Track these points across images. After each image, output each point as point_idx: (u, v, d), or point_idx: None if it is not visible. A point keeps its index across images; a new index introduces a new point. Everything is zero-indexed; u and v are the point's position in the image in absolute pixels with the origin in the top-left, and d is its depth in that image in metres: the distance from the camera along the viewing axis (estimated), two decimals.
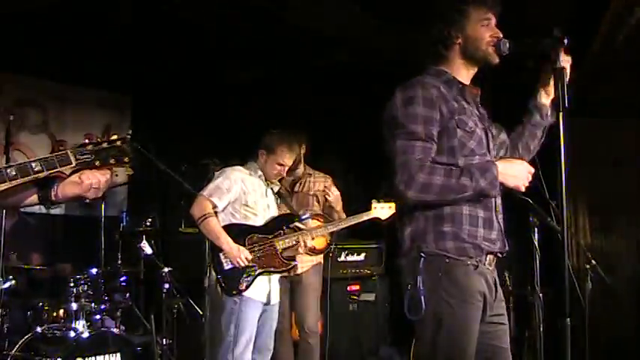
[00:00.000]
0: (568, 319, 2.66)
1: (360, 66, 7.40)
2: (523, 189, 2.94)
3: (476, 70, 3.14)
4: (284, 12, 6.38)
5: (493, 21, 3.07)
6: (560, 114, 2.70)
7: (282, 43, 6.92)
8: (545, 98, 3.24)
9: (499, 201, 3.05)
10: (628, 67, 7.25)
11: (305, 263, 5.80)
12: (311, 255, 5.75)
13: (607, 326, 7.51)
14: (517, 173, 2.93)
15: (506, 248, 3.07)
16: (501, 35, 3.05)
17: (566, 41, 2.88)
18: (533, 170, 2.96)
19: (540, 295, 5.07)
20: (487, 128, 3.10)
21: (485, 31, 3.04)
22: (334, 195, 5.81)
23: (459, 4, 3.06)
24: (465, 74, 3.11)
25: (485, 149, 3.03)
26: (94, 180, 2.91)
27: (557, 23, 3.26)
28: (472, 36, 3.03)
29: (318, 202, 5.98)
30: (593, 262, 5.41)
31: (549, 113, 3.25)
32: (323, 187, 5.97)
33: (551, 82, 3.03)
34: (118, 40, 6.66)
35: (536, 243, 4.98)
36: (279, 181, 5.39)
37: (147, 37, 6.66)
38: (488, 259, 2.98)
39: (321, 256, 6.01)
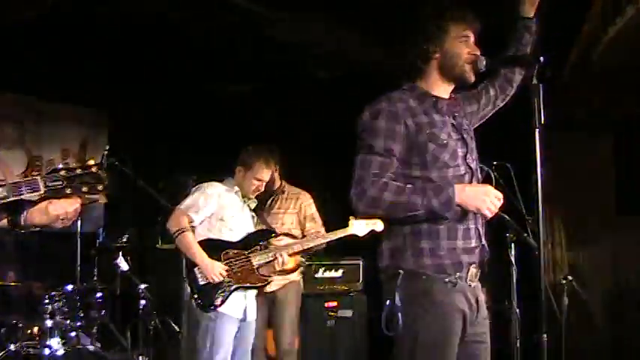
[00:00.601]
0: (544, 335, 2.67)
1: (342, 81, 7.42)
2: (489, 215, 2.90)
3: (453, 86, 3.15)
4: (268, 27, 6.40)
5: (472, 38, 3.09)
6: (536, 129, 2.70)
7: (261, 59, 6.92)
8: (530, 11, 3.33)
9: None
10: (603, 81, 7.33)
11: (277, 281, 5.75)
12: (281, 275, 5.70)
13: (583, 341, 7.54)
14: (478, 197, 2.88)
15: (487, 255, 3.05)
16: (479, 52, 3.06)
17: (542, 59, 2.91)
18: (501, 195, 2.92)
19: (517, 310, 5.09)
20: (464, 137, 3.08)
21: (464, 48, 3.05)
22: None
23: (438, 19, 3.07)
24: (442, 89, 3.12)
25: (460, 160, 3.01)
26: (61, 211, 2.84)
27: (534, 39, 3.31)
28: (450, 51, 3.04)
29: (297, 219, 5.95)
30: (569, 277, 5.44)
31: (535, 27, 3.34)
32: (299, 206, 5.96)
33: None
34: (95, 55, 6.64)
35: (512, 258, 4.99)
36: (256, 196, 5.39)
37: (124, 53, 6.64)
38: (470, 273, 2.96)
39: (298, 273, 5.96)
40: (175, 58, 6.88)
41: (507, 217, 4.70)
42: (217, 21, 6.23)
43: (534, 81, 2.77)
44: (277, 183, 5.99)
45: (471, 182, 3.02)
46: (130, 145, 7.11)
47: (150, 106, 7.50)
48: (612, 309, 8.18)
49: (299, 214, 5.93)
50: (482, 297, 3.05)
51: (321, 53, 7.01)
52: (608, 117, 7.87)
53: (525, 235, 4.77)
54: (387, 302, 2.92)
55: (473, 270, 2.98)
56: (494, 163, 4.51)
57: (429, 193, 2.83)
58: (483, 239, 3.04)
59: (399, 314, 2.87)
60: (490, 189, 2.92)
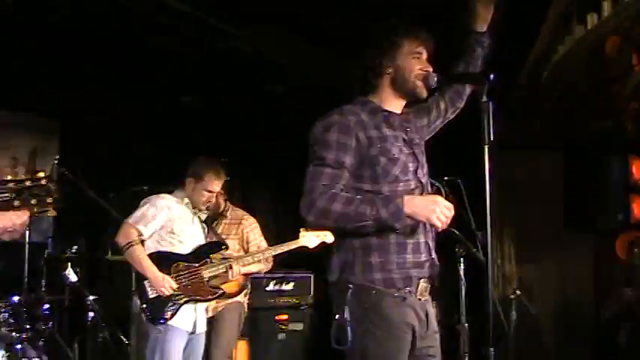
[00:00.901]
0: (492, 349, 2.70)
1: (294, 95, 7.44)
2: (439, 225, 2.87)
3: (405, 101, 3.17)
4: (219, 40, 6.39)
5: (425, 55, 3.12)
6: (485, 146, 2.73)
7: (214, 71, 6.91)
8: (482, 26, 3.33)
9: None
10: (552, 100, 7.46)
11: (219, 304, 5.66)
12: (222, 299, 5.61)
13: (531, 355, 7.63)
14: (427, 207, 2.85)
15: (437, 269, 3.06)
16: (431, 69, 3.09)
17: (491, 76, 2.95)
18: (451, 206, 2.90)
19: (466, 324, 5.13)
20: (415, 152, 3.10)
21: (416, 64, 3.08)
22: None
23: (392, 34, 3.09)
24: (394, 104, 3.14)
25: (411, 175, 3.03)
26: (9, 224, 2.76)
27: (485, 58, 3.36)
28: (402, 67, 3.07)
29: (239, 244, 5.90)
30: (518, 292, 5.51)
31: (487, 42, 3.35)
32: (240, 231, 5.87)
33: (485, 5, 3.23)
34: (47, 63, 6.56)
35: (462, 273, 5.04)
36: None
37: (77, 61, 6.57)
38: (420, 287, 2.97)
39: (242, 295, 5.90)
40: (128, 68, 6.83)
41: (457, 231, 4.74)
42: (170, 32, 6.21)
43: (484, 99, 2.80)
44: (221, 206, 5.88)
45: (422, 195, 3.03)
46: (80, 155, 7.03)
47: (101, 116, 7.42)
48: (560, 322, 8.31)
49: (241, 240, 5.85)
50: (432, 311, 3.07)
51: (275, 66, 7.02)
52: (558, 134, 8.01)
53: (474, 249, 4.82)
54: (337, 316, 2.92)
55: (423, 284, 2.99)
56: (445, 178, 4.56)
57: (377, 203, 2.83)
58: (433, 253, 3.05)
59: (349, 328, 2.88)
60: (439, 199, 2.90)
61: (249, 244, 5.84)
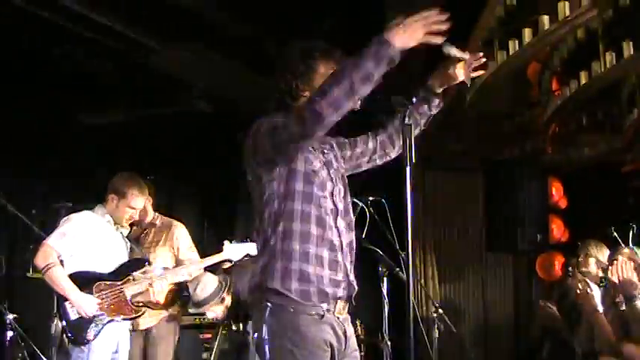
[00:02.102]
0: None
1: (219, 113, 7.45)
2: (434, 38, 2.75)
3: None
4: (145, 57, 6.36)
5: None
6: (407, 168, 2.76)
7: (140, 88, 6.87)
8: (439, 89, 3.18)
9: (346, 240, 3.02)
10: (475, 123, 7.62)
11: (152, 317, 5.54)
12: (154, 309, 5.55)
13: None
14: (408, 24, 2.69)
15: (354, 290, 3.03)
16: None
17: (414, 100, 2.99)
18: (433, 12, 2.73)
19: (388, 343, 5.18)
20: (331, 175, 3.05)
21: None
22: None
23: (306, 56, 3.04)
24: None
25: (328, 194, 2.99)
26: None
27: (410, 79, 3.39)
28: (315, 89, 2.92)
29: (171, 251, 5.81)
30: (440, 311, 5.59)
31: (439, 104, 3.21)
32: (171, 237, 5.71)
33: (451, 72, 3.09)
34: None
35: (384, 292, 5.09)
36: (131, 227, 5.29)
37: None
38: (338, 306, 2.96)
39: (174, 308, 5.82)
40: (49, 85, 6.73)
41: (380, 251, 4.80)
42: (93, 46, 6.15)
43: (407, 121, 2.83)
44: (150, 215, 5.70)
45: (335, 219, 2.99)
46: (2, 171, 6.88)
47: (24, 132, 7.28)
48: (482, 340, 8.46)
49: (172, 247, 5.71)
50: (351, 329, 3.05)
51: (202, 86, 7.02)
52: (479, 157, 8.19)
53: (397, 269, 4.88)
54: (255, 335, 2.91)
55: (340, 303, 2.98)
56: (370, 198, 4.61)
57: (360, 53, 2.70)
58: (351, 276, 3.03)
59: (266, 347, 2.87)
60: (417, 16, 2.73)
61: (179, 249, 5.66)
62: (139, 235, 5.66)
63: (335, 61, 3.02)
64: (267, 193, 2.95)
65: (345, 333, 3.00)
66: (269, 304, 2.89)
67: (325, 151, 3.11)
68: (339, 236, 2.99)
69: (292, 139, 2.82)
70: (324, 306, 2.91)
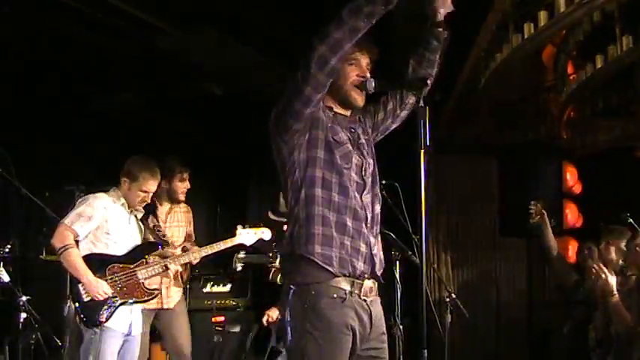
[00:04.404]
0: (425, 350, 2.72)
1: (233, 98, 7.44)
2: None
3: (349, 110, 3.15)
4: (160, 39, 6.34)
5: (363, 60, 3.09)
6: (421, 151, 2.75)
7: (153, 71, 6.86)
8: (440, 15, 3.12)
9: (372, 214, 3.04)
10: (489, 107, 7.58)
11: (175, 294, 5.68)
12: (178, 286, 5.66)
13: (467, 357, 7.74)
14: None
15: (380, 267, 3.05)
16: (368, 75, 3.07)
17: (429, 81, 2.97)
18: None
19: (401, 327, 5.17)
20: (361, 150, 3.10)
21: (352, 71, 3.07)
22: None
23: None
24: (339, 108, 3.13)
25: (354, 165, 3.03)
26: None
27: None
28: (339, 74, 3.02)
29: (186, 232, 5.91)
30: (453, 295, 5.58)
31: (445, 35, 3.16)
32: (188, 218, 5.94)
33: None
34: None
35: (397, 276, 5.08)
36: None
37: (11, 58, 6.45)
38: (364, 288, 2.96)
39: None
40: (64, 67, 6.73)
41: (393, 235, 4.79)
42: (108, 31, 6.13)
43: (421, 104, 2.81)
44: (180, 191, 5.84)
45: (362, 192, 3.03)
46: (15, 153, 6.89)
47: (37, 112, 7.29)
48: (495, 324, 8.45)
49: (187, 227, 5.89)
50: (378, 311, 3.05)
51: (215, 69, 7.00)
52: (493, 142, 8.14)
53: (410, 253, 4.87)
54: (282, 317, 2.96)
55: (367, 283, 2.98)
56: (383, 182, 4.59)
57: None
58: (374, 249, 3.03)
59: (289, 328, 2.91)
60: None
61: (188, 235, 5.90)
62: (168, 211, 5.80)
63: (355, 47, 3.02)
64: (289, 163, 3.00)
65: (370, 316, 3.00)
66: (292, 286, 2.94)
67: (353, 128, 3.14)
68: (364, 209, 3.02)
69: (303, 81, 2.88)
70: (347, 287, 2.92)
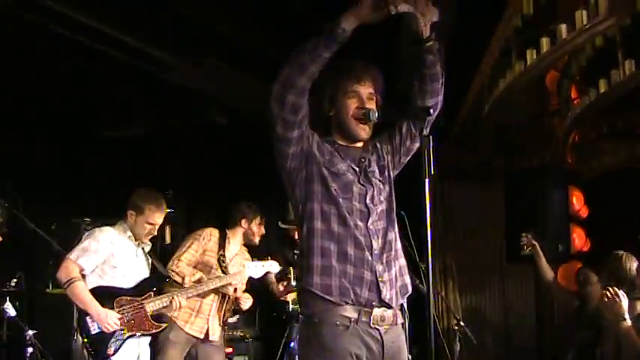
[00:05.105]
0: None
1: (238, 128, 7.47)
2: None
3: (354, 141, 3.15)
4: (163, 72, 6.39)
5: (363, 92, 3.09)
6: (426, 180, 2.75)
7: (157, 103, 6.91)
8: (425, 29, 3.01)
9: (379, 242, 3.01)
10: (493, 133, 7.59)
11: (218, 328, 5.67)
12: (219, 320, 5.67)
13: None
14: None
15: (391, 295, 2.99)
16: (369, 106, 3.07)
17: (432, 111, 2.97)
18: None
19: (409, 356, 5.14)
20: (365, 179, 3.08)
21: (352, 103, 3.07)
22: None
23: (331, 76, 3.09)
24: (345, 142, 3.14)
25: (356, 194, 3.02)
26: None
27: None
28: (339, 108, 3.07)
29: None
30: (462, 322, 5.55)
31: (435, 44, 3.05)
32: None
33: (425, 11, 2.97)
34: None
35: (405, 305, 5.05)
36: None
37: (21, 87, 6.49)
38: (374, 315, 2.93)
39: None
40: (69, 100, 6.78)
41: None
42: (113, 65, 6.19)
43: (425, 132, 2.83)
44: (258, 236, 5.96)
45: (366, 220, 3.01)
46: (21, 185, 6.92)
47: (43, 147, 7.33)
48: (503, 351, 8.39)
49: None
50: (394, 340, 3.01)
51: (219, 99, 7.04)
52: (499, 167, 8.15)
53: (418, 281, 4.84)
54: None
55: (377, 311, 2.95)
56: None
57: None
58: (385, 276, 2.99)
59: (296, 357, 2.96)
60: None
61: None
62: (237, 253, 5.86)
63: (355, 78, 3.08)
64: (293, 199, 3.07)
65: (382, 345, 2.96)
66: (301, 315, 3.00)
67: (363, 157, 3.13)
68: (369, 237, 3.00)
69: (272, 121, 2.96)
70: (352, 315, 2.91)
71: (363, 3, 2.81)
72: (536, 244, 6.07)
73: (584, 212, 7.98)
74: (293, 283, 5.98)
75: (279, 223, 6.18)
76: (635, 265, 5.23)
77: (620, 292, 4.76)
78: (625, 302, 4.72)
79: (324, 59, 2.87)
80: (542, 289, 6.55)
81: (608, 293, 4.74)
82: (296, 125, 2.95)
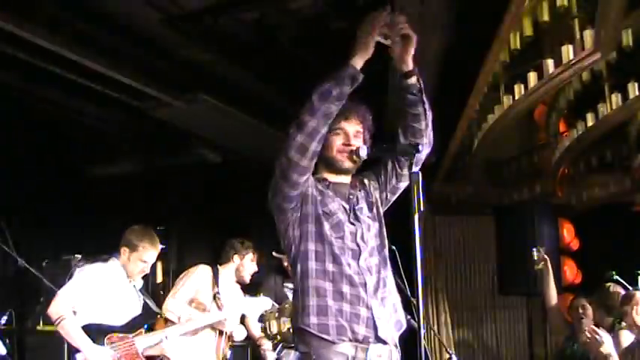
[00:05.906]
0: None
1: (229, 165, 7.50)
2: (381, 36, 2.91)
3: (342, 175, 3.17)
4: (153, 109, 6.42)
5: (350, 129, 3.12)
6: (415, 215, 2.76)
7: (151, 140, 6.93)
8: (403, 65, 3.05)
9: (373, 279, 3.02)
10: (483, 167, 7.62)
11: None
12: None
13: None
14: (359, 34, 2.91)
15: (388, 330, 3.03)
16: (355, 144, 3.09)
17: (420, 147, 3.00)
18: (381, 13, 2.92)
19: None
20: (358, 217, 3.09)
21: (336, 140, 3.09)
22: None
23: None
24: (336, 177, 3.16)
25: (348, 233, 3.04)
26: None
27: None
28: (325, 145, 3.05)
29: None
30: (454, 357, 5.54)
31: (416, 82, 3.08)
32: None
33: (405, 50, 3.01)
34: None
35: (396, 340, 5.04)
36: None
37: (9, 124, 6.51)
38: (370, 353, 2.94)
39: None
40: (62, 138, 6.80)
41: None
42: (106, 100, 6.22)
43: (413, 169, 2.85)
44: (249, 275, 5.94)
45: (357, 258, 3.02)
46: (12, 223, 6.91)
47: (34, 183, 7.32)
48: None
49: None
50: None
51: (211, 137, 7.07)
52: (489, 201, 8.18)
53: (409, 317, 4.83)
54: None
55: (374, 348, 2.97)
56: None
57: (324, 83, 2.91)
58: (378, 312, 3.00)
59: None
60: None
61: None
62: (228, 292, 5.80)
63: (342, 118, 3.09)
64: (286, 239, 3.06)
65: None
66: (298, 352, 3.00)
67: (352, 194, 3.15)
68: (362, 274, 3.00)
69: (288, 168, 2.96)
70: (349, 352, 2.92)
71: (369, 43, 2.89)
72: (547, 259, 6.00)
73: (575, 244, 8.02)
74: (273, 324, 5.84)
75: (273, 252, 6.15)
76: (622, 294, 5.27)
77: (600, 330, 4.78)
78: (608, 340, 4.72)
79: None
80: (533, 324, 6.52)
81: (587, 334, 4.75)
82: (308, 170, 3.01)
